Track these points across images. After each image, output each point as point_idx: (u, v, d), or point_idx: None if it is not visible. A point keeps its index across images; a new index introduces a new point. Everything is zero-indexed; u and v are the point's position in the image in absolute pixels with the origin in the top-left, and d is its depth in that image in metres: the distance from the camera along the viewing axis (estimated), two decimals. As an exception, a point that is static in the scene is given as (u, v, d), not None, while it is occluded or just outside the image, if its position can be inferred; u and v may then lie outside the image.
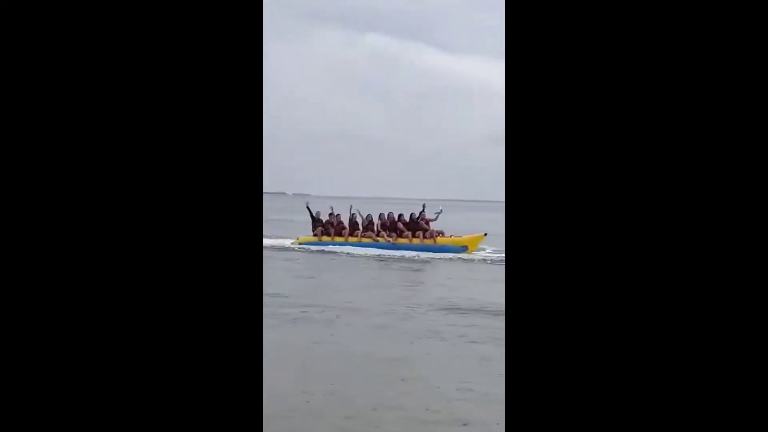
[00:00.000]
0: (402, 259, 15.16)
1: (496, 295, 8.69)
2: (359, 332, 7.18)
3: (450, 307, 8.77)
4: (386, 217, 16.88)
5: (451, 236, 16.69)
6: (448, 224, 18.26)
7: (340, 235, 16.97)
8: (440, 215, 16.87)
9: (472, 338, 6.86)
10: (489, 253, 15.96)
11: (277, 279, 10.63)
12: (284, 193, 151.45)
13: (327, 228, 17.09)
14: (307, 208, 17.42)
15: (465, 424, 4.17)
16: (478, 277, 12.20)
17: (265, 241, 14.83)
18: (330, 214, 17.44)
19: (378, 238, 16.62)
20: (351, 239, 16.79)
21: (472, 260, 15.18)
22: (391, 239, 16.51)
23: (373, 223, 16.93)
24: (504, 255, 14.87)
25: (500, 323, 5.91)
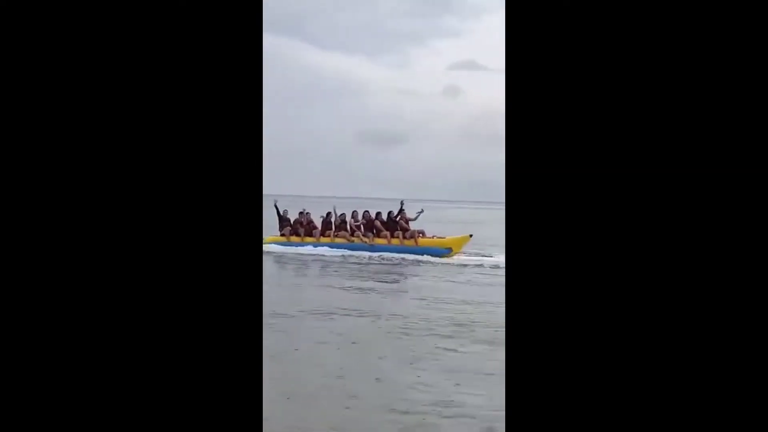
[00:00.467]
0: (381, 261, 14.41)
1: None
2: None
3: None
4: (361, 217, 16.06)
5: (434, 237, 15.86)
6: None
7: (310, 235, 16.08)
8: (420, 215, 16.07)
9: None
10: (471, 257, 15.10)
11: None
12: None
13: (296, 228, 16.26)
14: (275, 206, 16.36)
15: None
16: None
17: None
18: (300, 213, 16.59)
19: (353, 239, 15.76)
20: (323, 239, 15.90)
21: (466, 265, 13.84)
22: (367, 240, 15.66)
23: (346, 222, 16.06)
24: (489, 259, 14.44)
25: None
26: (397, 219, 15.87)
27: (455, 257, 15.14)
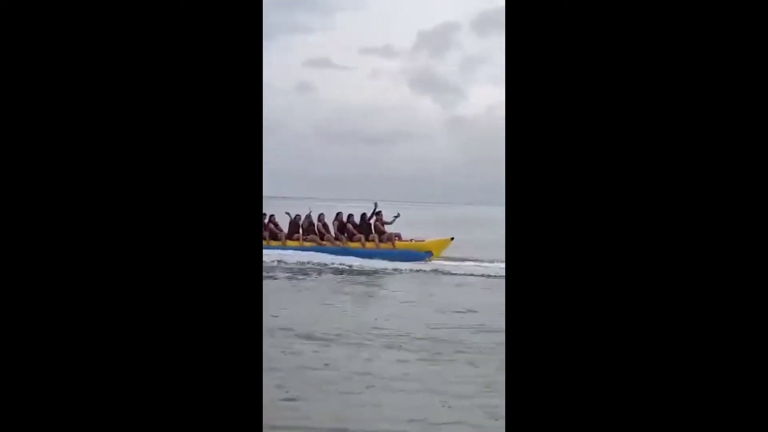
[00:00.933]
0: (351, 270, 13.45)
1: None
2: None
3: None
4: (333, 219, 15.37)
5: (411, 240, 15.20)
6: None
7: (275, 238, 15.18)
8: (397, 219, 15.34)
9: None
10: (452, 263, 14.31)
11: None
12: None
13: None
14: None
15: None
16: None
17: None
18: (263, 214, 15.23)
19: (324, 242, 15.05)
20: (290, 243, 15.07)
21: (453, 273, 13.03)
22: (340, 243, 14.96)
23: (313, 225, 15.33)
24: (479, 266, 13.68)
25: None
26: (373, 221, 15.26)
27: (435, 261, 14.51)
